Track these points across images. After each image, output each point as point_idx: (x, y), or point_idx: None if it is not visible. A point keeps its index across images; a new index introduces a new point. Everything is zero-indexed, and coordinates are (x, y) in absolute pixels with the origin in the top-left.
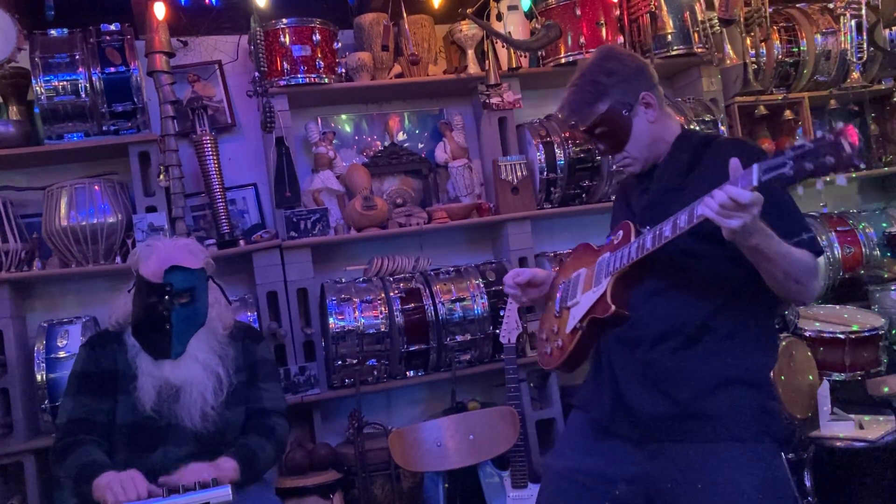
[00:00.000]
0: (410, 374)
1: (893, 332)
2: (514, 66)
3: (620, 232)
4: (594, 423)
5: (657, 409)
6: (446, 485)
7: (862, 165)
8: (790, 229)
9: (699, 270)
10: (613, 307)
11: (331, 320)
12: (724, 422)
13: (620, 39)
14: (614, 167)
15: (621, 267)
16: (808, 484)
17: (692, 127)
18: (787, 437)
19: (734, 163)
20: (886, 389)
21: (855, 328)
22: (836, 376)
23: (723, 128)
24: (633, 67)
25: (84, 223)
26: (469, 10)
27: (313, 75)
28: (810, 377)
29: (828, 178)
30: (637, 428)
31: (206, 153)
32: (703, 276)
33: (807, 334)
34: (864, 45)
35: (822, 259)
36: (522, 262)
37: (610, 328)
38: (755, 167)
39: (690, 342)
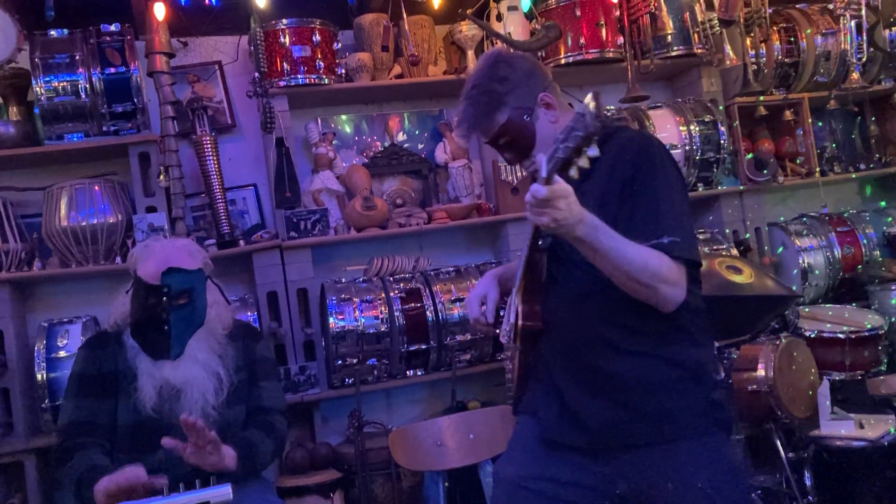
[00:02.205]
0: (410, 373)
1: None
2: None
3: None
4: (541, 435)
5: (605, 415)
6: (446, 484)
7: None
8: (650, 231)
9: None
10: (521, 323)
11: (331, 320)
12: (674, 421)
13: (620, 40)
14: (524, 173)
15: (518, 282)
16: (808, 483)
17: (691, 128)
18: (731, 421)
19: (538, 159)
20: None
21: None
22: (836, 376)
23: (722, 128)
24: (525, 70)
25: (84, 223)
26: (469, 11)
27: (313, 76)
28: (810, 377)
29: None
30: (587, 436)
31: (206, 153)
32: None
33: (807, 334)
34: (864, 46)
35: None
36: None
37: (540, 339)
38: (543, 159)
39: (626, 346)
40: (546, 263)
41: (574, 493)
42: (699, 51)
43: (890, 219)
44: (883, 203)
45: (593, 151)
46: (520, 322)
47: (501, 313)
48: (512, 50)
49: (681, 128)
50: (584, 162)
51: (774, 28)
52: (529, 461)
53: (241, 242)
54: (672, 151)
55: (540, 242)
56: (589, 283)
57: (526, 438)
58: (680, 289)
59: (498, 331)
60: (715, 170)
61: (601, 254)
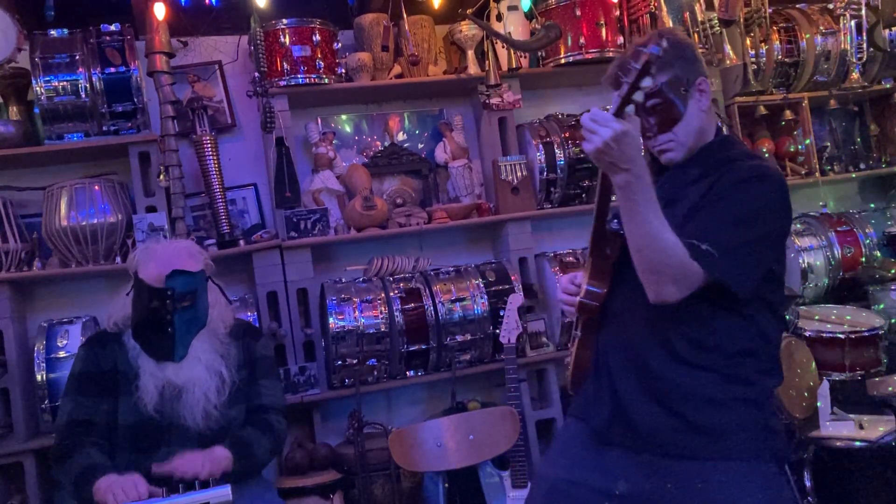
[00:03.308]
0: (410, 374)
1: (893, 321)
2: (514, 66)
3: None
4: (591, 431)
5: (658, 421)
6: (446, 485)
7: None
8: (700, 234)
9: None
10: (578, 298)
11: (331, 320)
12: (727, 439)
13: (620, 40)
14: (655, 149)
15: (587, 260)
16: (808, 484)
17: None
18: (788, 455)
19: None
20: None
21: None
22: (836, 376)
23: (722, 128)
24: (693, 50)
25: (84, 223)
26: (469, 11)
27: (313, 75)
28: (810, 377)
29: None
30: (636, 438)
31: (206, 153)
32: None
33: (807, 334)
34: (864, 46)
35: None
36: (522, 263)
37: (601, 331)
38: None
39: (688, 357)
40: (620, 246)
41: (601, 500)
42: (699, 50)
43: (890, 221)
44: (872, 205)
45: (647, 82)
46: (578, 299)
47: (501, 313)
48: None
49: None
50: (639, 96)
51: (774, 28)
52: (570, 465)
53: (241, 242)
54: None
55: (609, 221)
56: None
57: (571, 441)
58: (677, 289)
59: (501, 329)
60: None
61: (631, 212)
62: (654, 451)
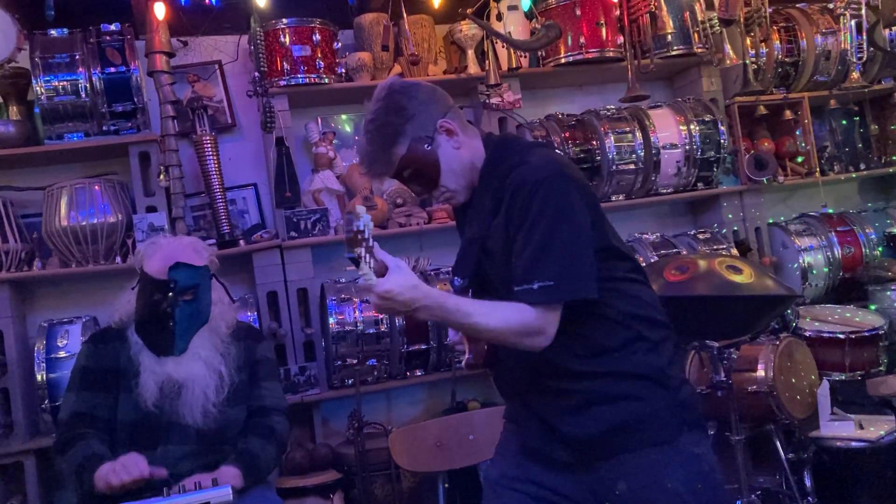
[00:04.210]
0: (410, 374)
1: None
2: (514, 66)
3: None
4: (524, 445)
5: (582, 430)
6: (446, 485)
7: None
8: (522, 277)
9: None
10: (471, 362)
11: (331, 320)
12: (644, 429)
13: (620, 39)
14: (437, 203)
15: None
16: (808, 484)
17: (691, 127)
18: (700, 416)
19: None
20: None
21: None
22: (836, 376)
23: (722, 128)
24: (421, 97)
25: (84, 223)
26: (469, 10)
27: (313, 75)
28: (810, 377)
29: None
30: (569, 451)
31: (206, 153)
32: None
33: (807, 334)
34: (864, 45)
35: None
36: None
37: (501, 368)
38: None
39: (584, 368)
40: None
41: (556, 498)
42: (699, 50)
43: (889, 220)
44: (870, 204)
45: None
46: (466, 360)
47: None
48: (407, 79)
49: (681, 127)
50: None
51: (774, 27)
52: (514, 465)
53: (241, 242)
54: (672, 151)
55: (451, 281)
56: None
57: (510, 444)
58: (544, 337)
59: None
60: (715, 169)
61: (448, 322)
62: (588, 459)
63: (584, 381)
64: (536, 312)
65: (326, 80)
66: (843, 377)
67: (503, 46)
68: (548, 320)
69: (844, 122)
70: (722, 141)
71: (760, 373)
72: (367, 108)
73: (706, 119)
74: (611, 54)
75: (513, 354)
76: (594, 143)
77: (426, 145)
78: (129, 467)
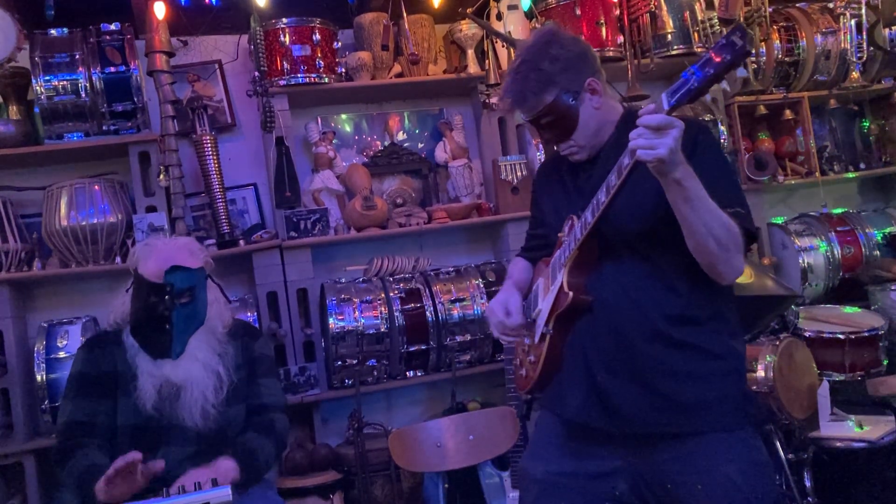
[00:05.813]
0: (410, 374)
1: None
2: None
3: (566, 227)
4: (565, 422)
5: (638, 401)
6: (446, 485)
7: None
8: (726, 198)
9: (664, 257)
10: (571, 293)
11: (331, 320)
12: (708, 412)
13: (620, 39)
14: (562, 153)
15: (570, 253)
16: (808, 484)
17: None
18: (762, 418)
19: (648, 107)
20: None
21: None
22: (836, 376)
23: (722, 127)
24: (577, 52)
25: (84, 223)
26: (469, 10)
27: (313, 75)
28: (810, 377)
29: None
30: (614, 420)
31: (206, 153)
32: (670, 264)
33: (807, 334)
34: (864, 45)
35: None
36: None
37: (577, 321)
38: (663, 94)
39: (678, 336)
40: (597, 245)
41: (603, 485)
42: (699, 50)
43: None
44: (882, 205)
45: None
46: (569, 295)
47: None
48: (566, 32)
49: None
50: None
51: (774, 27)
52: (558, 457)
53: (241, 242)
54: None
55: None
56: (647, 271)
57: (549, 435)
58: (742, 261)
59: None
60: None
61: (693, 202)
62: (636, 432)
63: (670, 350)
64: (741, 234)
65: (326, 80)
66: (843, 377)
67: (503, 46)
68: (742, 244)
69: (844, 121)
70: (722, 141)
71: (760, 373)
72: (520, 46)
73: (706, 119)
74: (611, 54)
75: (609, 307)
76: None
77: (572, 99)
78: (122, 458)
